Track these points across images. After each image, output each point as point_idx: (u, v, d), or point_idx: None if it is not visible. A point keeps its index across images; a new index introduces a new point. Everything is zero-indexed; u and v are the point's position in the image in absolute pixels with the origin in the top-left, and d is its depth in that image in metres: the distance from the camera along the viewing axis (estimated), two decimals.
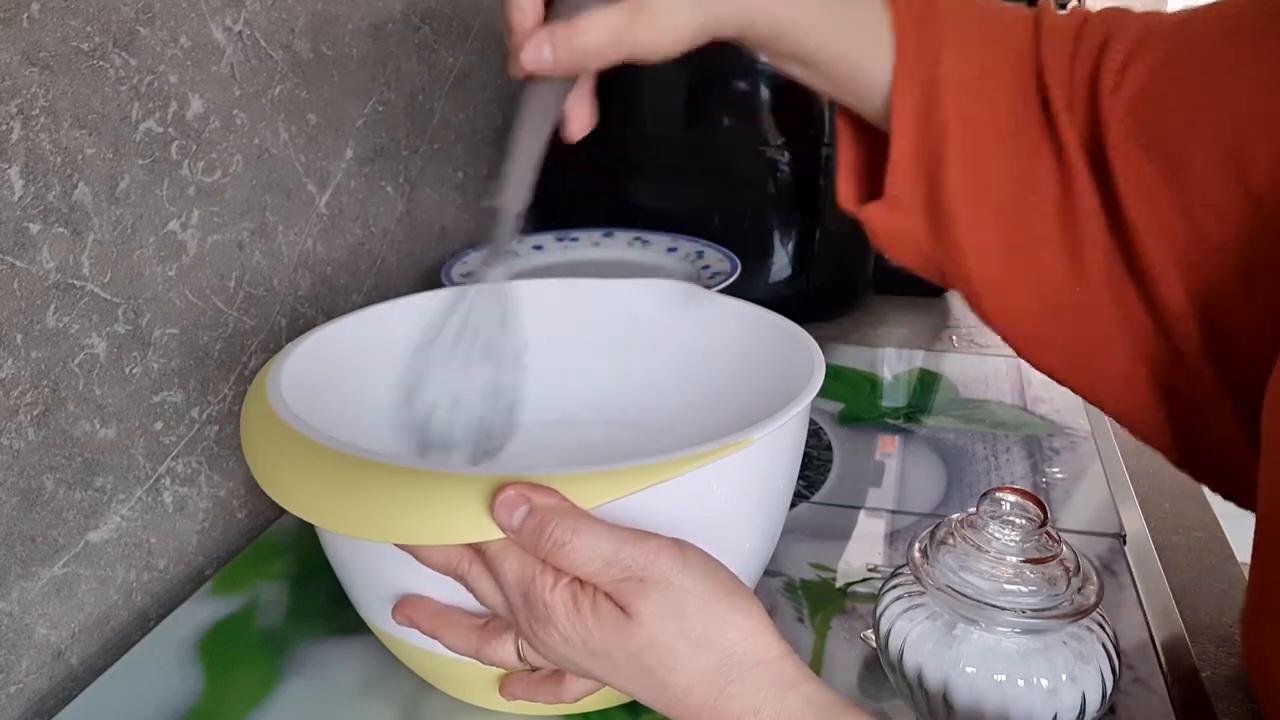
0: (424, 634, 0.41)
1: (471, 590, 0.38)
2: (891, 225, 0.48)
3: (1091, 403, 0.49)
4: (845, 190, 0.51)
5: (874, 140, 0.49)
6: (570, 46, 0.41)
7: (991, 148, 0.45)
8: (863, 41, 0.46)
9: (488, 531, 0.35)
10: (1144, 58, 0.43)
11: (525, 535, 0.35)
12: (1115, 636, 0.42)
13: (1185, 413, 0.45)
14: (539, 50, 0.41)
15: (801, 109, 0.88)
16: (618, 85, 0.87)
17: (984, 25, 0.46)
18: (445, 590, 0.40)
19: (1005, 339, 0.49)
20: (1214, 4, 0.43)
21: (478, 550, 0.38)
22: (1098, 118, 0.43)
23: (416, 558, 0.38)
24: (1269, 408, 0.37)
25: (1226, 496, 0.46)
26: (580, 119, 0.46)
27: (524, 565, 0.36)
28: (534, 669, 0.41)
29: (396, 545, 0.38)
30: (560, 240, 0.92)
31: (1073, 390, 0.49)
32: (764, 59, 0.48)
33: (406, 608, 0.41)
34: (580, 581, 0.36)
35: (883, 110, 0.47)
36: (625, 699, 0.45)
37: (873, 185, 0.50)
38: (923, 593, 0.43)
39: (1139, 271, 0.43)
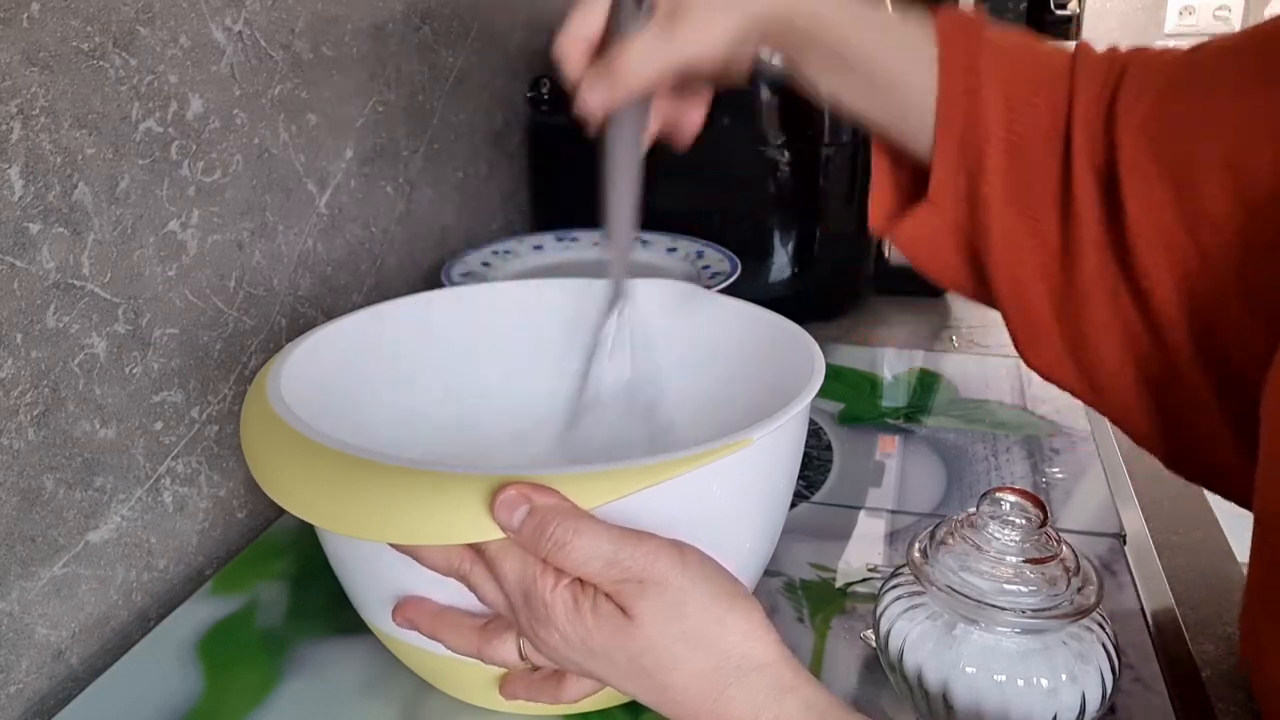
0: (425, 635, 0.41)
1: (473, 590, 0.38)
2: (933, 223, 0.49)
3: (1080, 398, 0.49)
4: (877, 212, 0.52)
5: (905, 166, 0.51)
6: (615, 80, 0.43)
7: (1024, 156, 0.46)
8: (905, 50, 0.47)
9: (488, 531, 0.35)
10: (1154, 83, 0.44)
11: (526, 535, 0.35)
12: (1115, 636, 0.42)
13: (1175, 412, 0.45)
14: (590, 96, 0.43)
15: (802, 109, 0.88)
16: None
17: (1026, 50, 0.48)
18: (445, 591, 0.40)
19: (1010, 331, 0.50)
20: (1222, 35, 0.45)
21: (478, 551, 0.38)
22: (1113, 142, 0.44)
23: (416, 559, 0.38)
24: (1268, 407, 0.37)
25: (1218, 493, 0.47)
26: (685, 128, 0.49)
27: (524, 566, 0.36)
28: (535, 668, 0.41)
29: (397, 547, 0.38)
30: (560, 240, 0.92)
31: (1066, 388, 0.49)
32: (797, 77, 0.49)
33: (406, 610, 0.41)
34: (580, 582, 0.36)
35: (916, 125, 0.48)
36: (625, 699, 0.45)
37: (905, 207, 0.51)
38: (923, 593, 0.43)
39: (1134, 276, 0.44)
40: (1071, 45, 0.48)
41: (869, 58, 0.47)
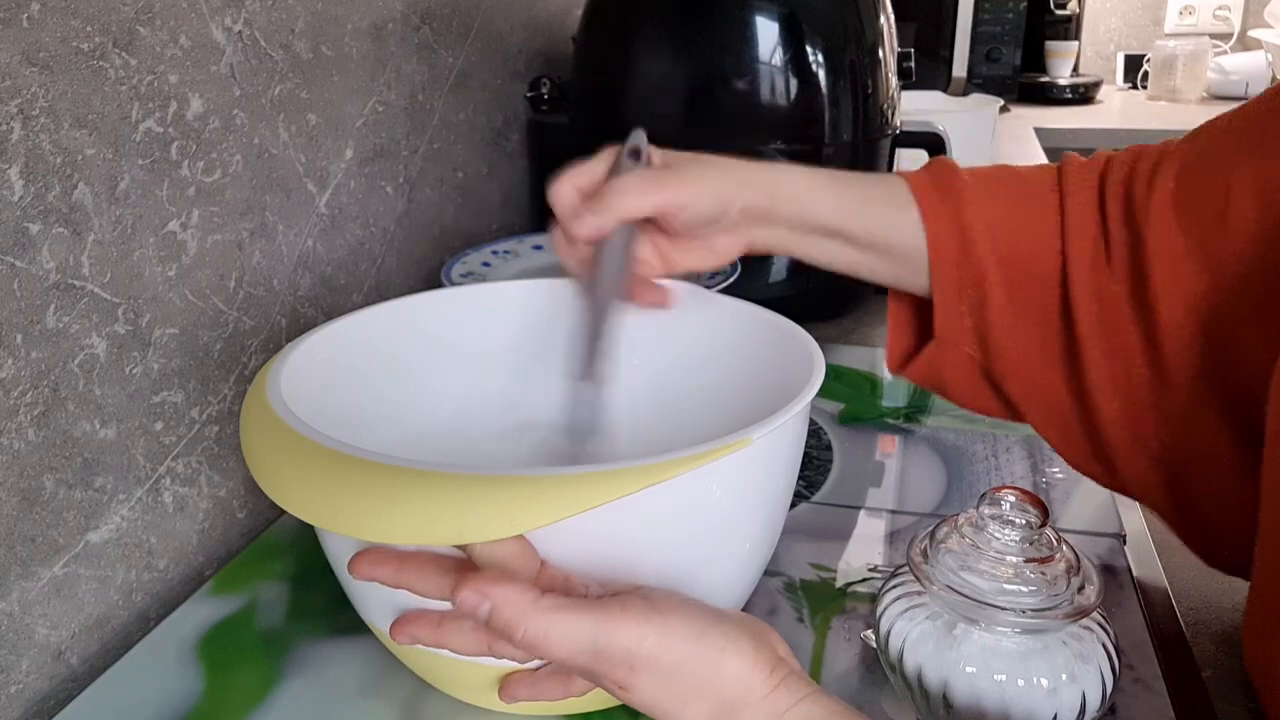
0: (429, 646, 0.40)
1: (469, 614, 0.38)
2: (947, 360, 0.52)
3: (1115, 489, 0.52)
4: (893, 357, 0.56)
5: (916, 305, 0.54)
6: (602, 207, 0.48)
7: (1023, 275, 0.49)
8: (886, 209, 0.51)
9: (486, 532, 0.35)
10: (1173, 157, 0.47)
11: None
12: (1115, 636, 0.42)
13: (1181, 467, 0.47)
14: (582, 220, 0.48)
15: (802, 109, 0.87)
16: (618, 85, 0.87)
17: (1005, 179, 0.51)
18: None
19: (1050, 442, 0.52)
20: (1222, 114, 0.47)
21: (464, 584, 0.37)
22: (1135, 215, 0.47)
23: (411, 591, 0.38)
24: (1274, 410, 0.37)
25: (1215, 564, 0.49)
26: (672, 265, 0.53)
27: (512, 610, 0.36)
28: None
29: (384, 582, 0.39)
30: None
31: (1100, 482, 0.52)
32: (798, 254, 0.53)
33: (406, 625, 0.40)
34: None
35: (913, 273, 0.51)
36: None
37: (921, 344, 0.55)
38: (923, 593, 0.43)
39: (1148, 323, 0.46)
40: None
41: (855, 229, 0.51)
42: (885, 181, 0.52)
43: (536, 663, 0.41)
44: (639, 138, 0.52)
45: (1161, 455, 0.47)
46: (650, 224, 0.51)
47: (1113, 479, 0.50)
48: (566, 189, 0.51)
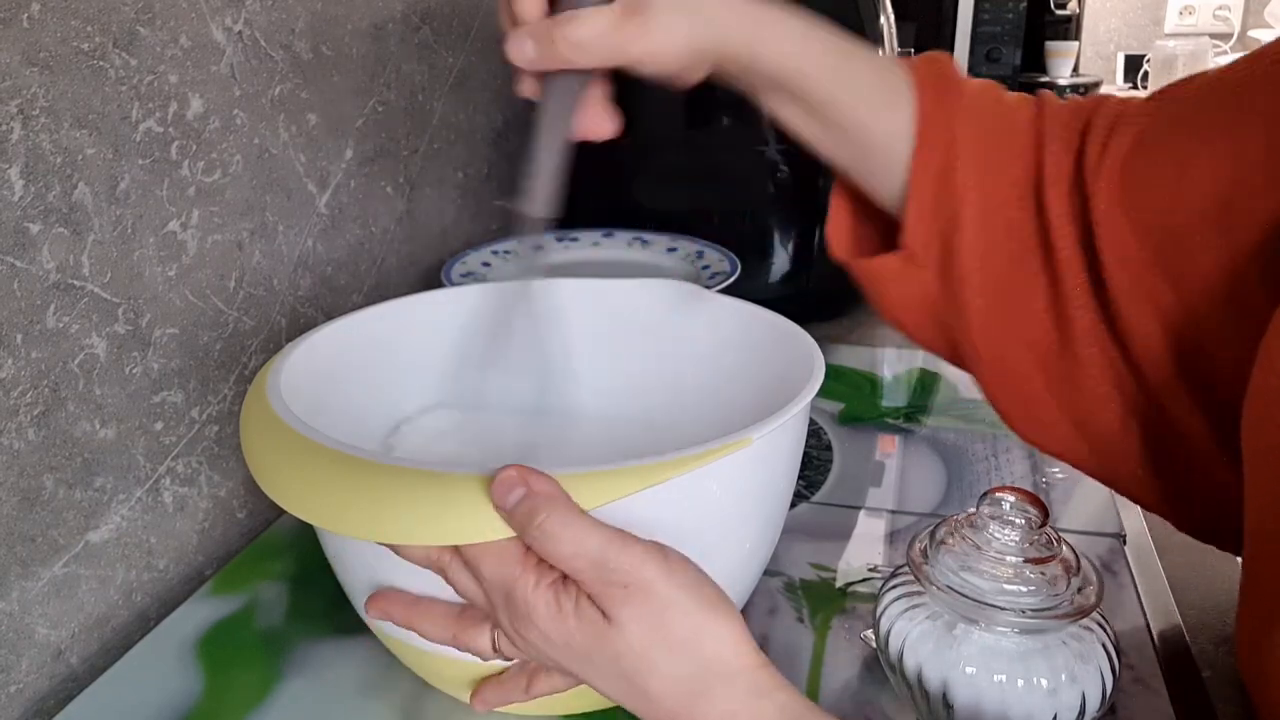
0: (399, 626, 0.41)
1: (451, 584, 0.39)
2: (905, 279, 0.47)
3: (1084, 469, 0.48)
4: (838, 241, 0.50)
5: (862, 199, 0.49)
6: (553, 40, 0.40)
7: (999, 217, 0.45)
8: (875, 95, 0.45)
9: (487, 532, 0.35)
10: (1124, 132, 0.42)
11: (517, 517, 0.35)
12: (1115, 636, 0.42)
13: (1179, 468, 0.44)
14: (521, 43, 0.40)
15: None
16: (618, 85, 0.87)
17: (995, 104, 0.46)
18: (438, 592, 0.40)
19: (999, 408, 0.48)
20: (1185, 78, 0.43)
21: (457, 548, 0.38)
22: (1084, 193, 0.43)
23: (396, 552, 0.38)
24: (1247, 427, 0.37)
25: (1233, 553, 0.45)
26: (591, 123, 0.44)
27: (504, 564, 0.36)
28: (507, 659, 0.41)
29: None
30: (560, 240, 0.92)
31: (1069, 461, 0.48)
32: (753, 99, 0.47)
33: (380, 601, 0.41)
34: (563, 582, 0.36)
35: (880, 169, 0.46)
36: None
37: (866, 241, 0.50)
38: (923, 593, 0.43)
39: (1121, 334, 0.43)
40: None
41: (833, 99, 0.45)
42: (883, 69, 0.46)
43: (500, 663, 0.41)
44: None
45: (1137, 421, 0.44)
46: None
47: (1098, 466, 0.47)
48: None
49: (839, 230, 0.51)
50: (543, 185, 0.42)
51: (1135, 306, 0.42)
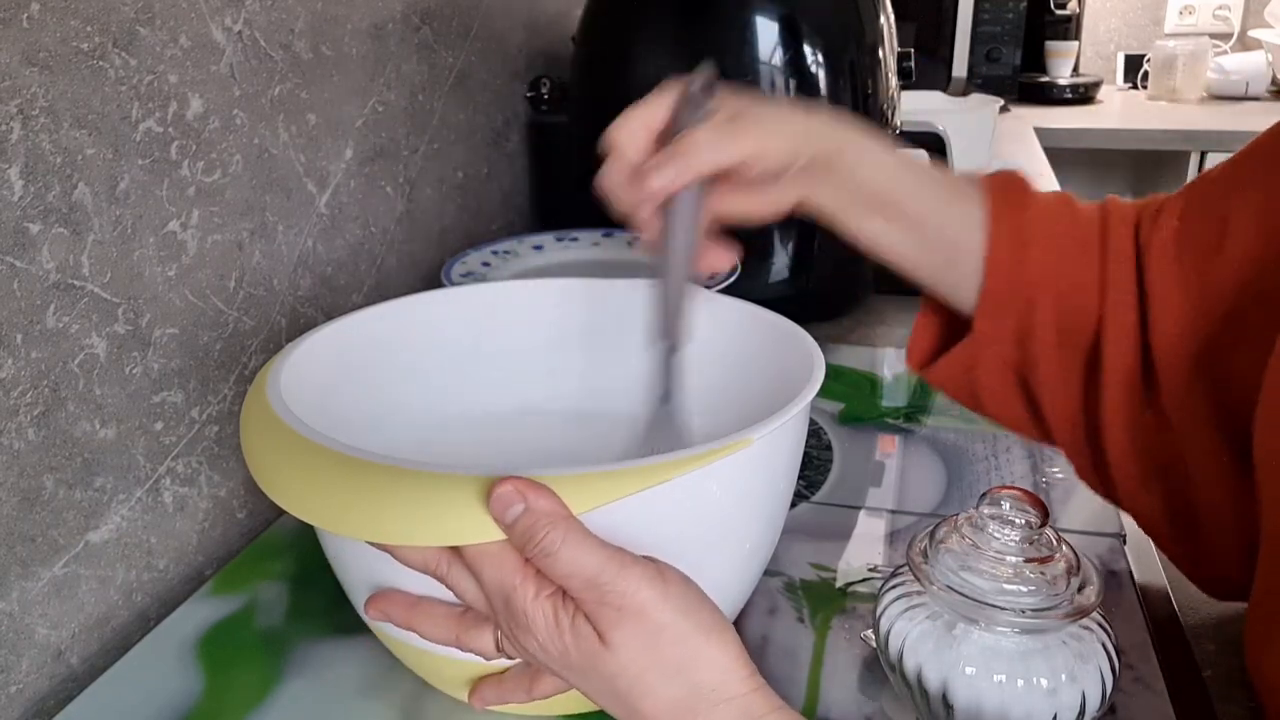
0: (400, 627, 0.41)
1: (451, 588, 0.39)
2: (979, 360, 0.50)
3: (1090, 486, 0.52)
4: (917, 352, 0.54)
5: (945, 313, 0.52)
6: (683, 162, 0.45)
7: (1069, 308, 0.48)
8: (950, 196, 0.48)
9: (487, 533, 0.35)
10: (1178, 197, 0.47)
11: (516, 534, 0.35)
12: (1115, 636, 0.42)
13: (1178, 491, 0.46)
14: (658, 177, 0.45)
15: None
16: (618, 85, 0.87)
17: (1064, 214, 0.49)
18: (438, 592, 0.40)
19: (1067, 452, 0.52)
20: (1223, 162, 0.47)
21: (456, 552, 0.38)
22: (1140, 247, 0.46)
23: (395, 557, 0.38)
24: (1260, 430, 0.37)
25: (1211, 590, 0.48)
26: (714, 259, 0.50)
27: (504, 573, 0.36)
28: (510, 659, 0.41)
29: (375, 545, 0.38)
30: (560, 240, 0.92)
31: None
32: (839, 222, 0.49)
33: (380, 602, 0.41)
34: (561, 596, 0.36)
35: (960, 276, 0.49)
36: None
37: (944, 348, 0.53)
38: (923, 593, 0.43)
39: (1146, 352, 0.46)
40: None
41: (915, 206, 0.48)
42: (953, 174, 0.50)
43: (505, 662, 0.41)
44: (709, 72, 0.47)
45: (1159, 476, 0.47)
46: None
47: (1110, 494, 0.50)
48: (637, 128, 0.47)
49: (917, 347, 0.54)
50: (683, 320, 0.47)
51: (1166, 327, 0.45)
